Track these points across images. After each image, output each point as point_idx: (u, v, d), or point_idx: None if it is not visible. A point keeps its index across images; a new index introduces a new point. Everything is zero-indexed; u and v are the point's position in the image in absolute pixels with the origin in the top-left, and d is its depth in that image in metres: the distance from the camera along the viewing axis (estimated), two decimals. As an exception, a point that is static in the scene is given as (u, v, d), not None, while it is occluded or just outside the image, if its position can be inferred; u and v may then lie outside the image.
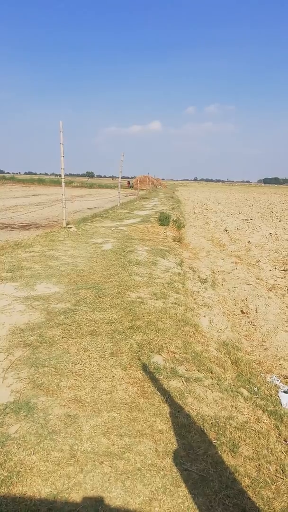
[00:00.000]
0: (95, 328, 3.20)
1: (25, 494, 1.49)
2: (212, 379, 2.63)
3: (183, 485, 1.65)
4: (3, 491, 1.50)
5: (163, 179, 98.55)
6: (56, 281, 4.49)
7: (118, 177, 17.55)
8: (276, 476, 1.81)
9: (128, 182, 49.83)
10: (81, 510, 1.45)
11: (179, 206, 20.27)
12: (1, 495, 1.47)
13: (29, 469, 1.63)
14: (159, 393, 2.34)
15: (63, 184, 8.95)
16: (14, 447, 1.76)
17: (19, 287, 4.17)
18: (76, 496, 1.52)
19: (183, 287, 4.83)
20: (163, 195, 32.06)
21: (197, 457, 1.84)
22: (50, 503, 1.46)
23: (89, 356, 2.72)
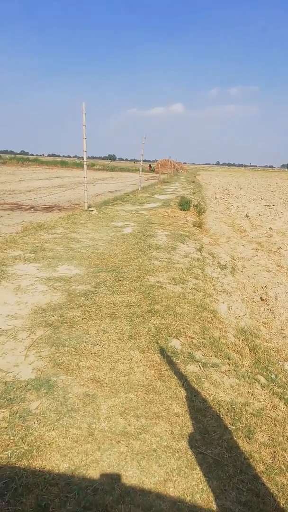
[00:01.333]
0: (115, 311, 3.23)
1: (44, 468, 1.55)
2: (229, 365, 2.63)
3: (198, 468, 1.68)
4: (23, 464, 1.56)
5: (184, 163, 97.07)
6: (77, 263, 4.55)
7: (140, 161, 17.39)
8: (291, 464, 1.81)
9: (150, 166, 49.37)
10: (98, 486, 1.50)
11: (200, 191, 20.00)
12: (21, 468, 1.53)
13: (49, 444, 1.69)
14: (175, 377, 2.37)
15: (85, 166, 8.95)
16: (34, 423, 1.82)
17: (42, 268, 4.25)
18: (93, 473, 1.57)
19: (202, 272, 4.80)
20: (184, 179, 31.68)
21: (212, 441, 1.86)
22: (68, 478, 1.52)
23: (108, 338, 2.77)
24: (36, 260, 4.52)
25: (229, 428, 1.97)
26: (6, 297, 3.36)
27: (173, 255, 5.40)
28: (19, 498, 1.40)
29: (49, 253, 4.86)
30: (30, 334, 2.73)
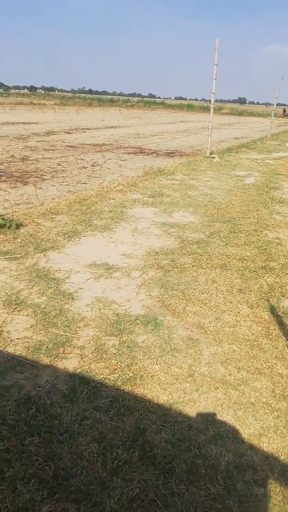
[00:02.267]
0: (226, 263, 3.16)
1: (145, 396, 1.68)
2: None
3: (297, 432, 1.61)
4: (127, 388, 1.72)
5: None
6: (192, 211, 4.52)
7: (273, 104, 15.75)
8: None
9: (284, 110, 44.50)
10: (193, 423, 1.57)
11: None
12: (125, 391, 1.69)
13: (151, 376, 1.81)
14: (284, 338, 2.25)
15: (211, 110, 8.51)
16: (140, 354, 1.96)
17: (158, 212, 4.35)
18: (189, 411, 1.64)
19: None
20: None
21: None
22: (165, 410, 1.62)
23: (217, 288, 2.74)
24: (154, 204, 4.63)
25: None
26: (124, 237, 3.57)
27: (298, 210, 4.93)
28: (121, 417, 1.56)
29: (166, 199, 4.91)
30: (142, 274, 2.87)
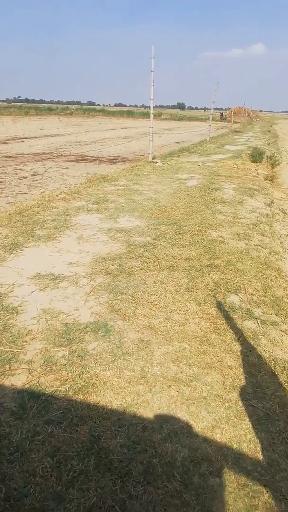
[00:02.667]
0: (173, 263, 3.23)
1: (98, 403, 1.66)
2: (290, 324, 2.53)
3: (247, 419, 1.68)
4: (79, 397, 1.68)
5: (260, 111, 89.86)
6: (138, 215, 4.56)
7: (210, 109, 16.42)
8: None
9: (221, 114, 46.58)
10: (147, 424, 1.57)
11: (276, 142, 18.54)
12: (77, 401, 1.66)
13: (103, 382, 1.80)
14: (231, 331, 2.33)
15: (151, 116, 8.68)
16: (91, 362, 1.94)
17: (104, 218, 4.34)
18: (143, 412, 1.65)
19: (270, 229, 4.56)
20: (259, 129, 29.48)
21: (265, 396, 1.83)
22: (120, 414, 1.61)
23: (165, 289, 2.79)
24: (99, 211, 4.62)
25: (284, 386, 1.92)
26: (70, 246, 3.51)
27: (239, 209, 5.16)
28: (75, 427, 1.53)
29: (111, 205, 4.92)
30: (90, 281, 2.84)
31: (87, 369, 1.88)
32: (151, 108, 8.60)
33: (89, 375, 1.84)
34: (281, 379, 1.97)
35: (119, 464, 1.38)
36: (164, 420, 1.61)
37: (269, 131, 26.46)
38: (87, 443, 1.46)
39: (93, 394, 1.71)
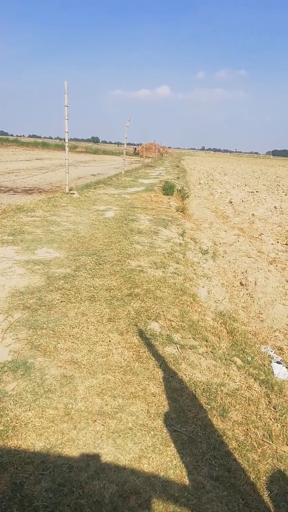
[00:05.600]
0: (94, 294, 3.23)
1: (20, 447, 1.56)
2: (206, 347, 2.68)
3: (172, 445, 1.71)
4: (-2, 443, 1.56)
5: (169, 147, 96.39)
6: (57, 246, 4.50)
7: (124, 144, 17.15)
8: (263, 440, 1.88)
9: (134, 149, 48.80)
10: (73, 464, 1.51)
11: (184, 176, 19.95)
12: (-3, 447, 1.54)
13: (24, 424, 1.69)
14: (153, 358, 2.39)
15: (66, 148, 8.76)
16: (10, 404, 1.82)
17: (20, 250, 4.18)
18: (69, 451, 1.59)
19: (183, 257, 4.83)
20: (169, 163, 31.49)
21: (187, 420, 1.90)
22: (43, 456, 1.53)
23: (87, 320, 2.76)
24: (15, 243, 4.44)
25: (204, 407, 2.02)
26: (-16, 280, 3.30)
27: (155, 239, 5.40)
28: (-6, 476, 1.41)
29: (28, 236, 4.78)
30: (7, 317, 2.70)
31: (6, 412, 1.75)
32: (66, 140, 8.70)
33: (8, 418, 1.72)
34: (201, 401, 2.07)
35: (44, 510, 1.30)
36: (91, 457, 1.57)
37: (178, 166, 28.43)
38: (9, 492, 1.35)
39: (13, 438, 1.60)
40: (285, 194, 14.15)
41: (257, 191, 14.47)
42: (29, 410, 1.79)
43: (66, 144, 8.75)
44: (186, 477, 1.55)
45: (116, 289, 3.39)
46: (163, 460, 1.62)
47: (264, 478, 1.65)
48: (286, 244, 6.54)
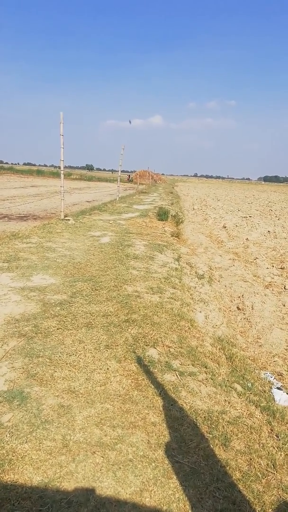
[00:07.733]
0: (91, 321, 3.19)
1: (16, 482, 1.49)
2: (206, 374, 2.64)
3: (174, 477, 1.66)
4: (-6, 478, 1.50)
5: (163, 174, 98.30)
6: (52, 272, 4.48)
7: (118, 171, 17.46)
8: (267, 470, 1.82)
9: (128, 176, 49.60)
10: (72, 498, 1.45)
11: (178, 202, 20.23)
12: (-8, 482, 1.48)
13: (21, 458, 1.63)
14: (153, 386, 2.35)
15: (62, 176, 8.90)
16: (6, 436, 1.76)
17: (15, 277, 4.16)
18: (67, 485, 1.53)
19: (180, 282, 4.83)
20: (163, 190, 31.98)
21: (189, 450, 1.84)
22: (41, 491, 1.47)
23: (84, 347, 2.72)
24: (10, 269, 4.42)
25: (206, 437, 1.97)
26: (-21, 307, 3.26)
27: (151, 264, 5.41)
28: (-11, 515, 1.35)
29: (24, 263, 4.77)
30: (2, 345, 2.65)
31: (2, 444, 1.70)
32: (62, 168, 8.85)
33: (4, 451, 1.66)
34: (202, 430, 2.02)
35: None
36: (90, 491, 1.51)
37: (172, 192, 28.86)
38: (5, 533, 1.29)
39: (10, 472, 1.54)
40: (278, 219, 14.38)
41: (250, 216, 14.69)
42: (26, 442, 1.73)
43: (62, 172, 8.89)
44: (190, 511, 1.49)
45: (113, 315, 3.36)
46: (165, 493, 1.56)
47: (270, 510, 1.59)
48: (281, 268, 6.58)
